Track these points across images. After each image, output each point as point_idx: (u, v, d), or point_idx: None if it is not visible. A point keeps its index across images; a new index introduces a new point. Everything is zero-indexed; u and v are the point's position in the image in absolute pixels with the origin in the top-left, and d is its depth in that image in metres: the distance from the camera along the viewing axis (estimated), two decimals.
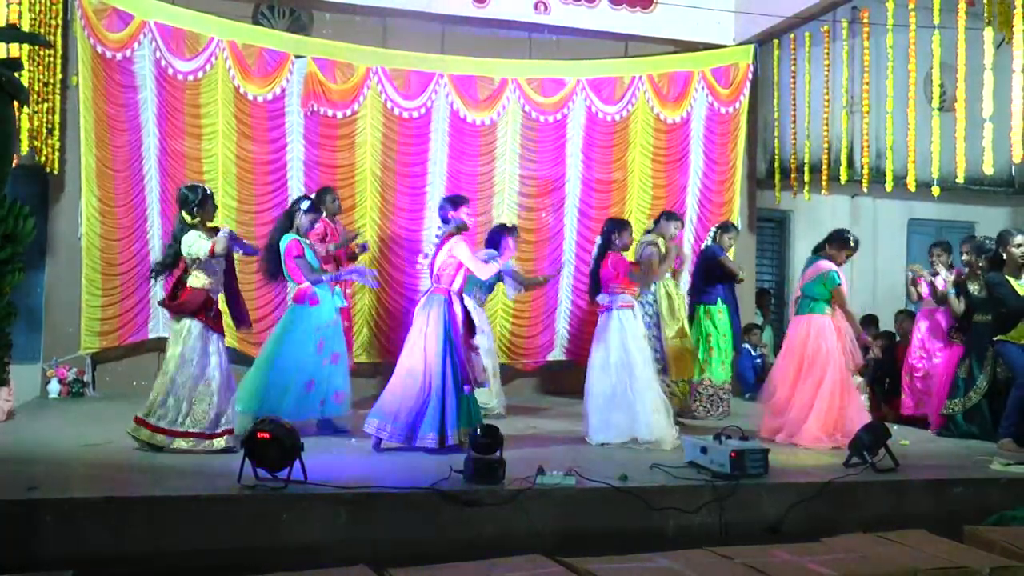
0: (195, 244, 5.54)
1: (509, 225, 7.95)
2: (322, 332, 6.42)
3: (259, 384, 6.36)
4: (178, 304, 5.61)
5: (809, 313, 6.79)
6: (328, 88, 8.62)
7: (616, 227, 6.70)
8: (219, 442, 5.54)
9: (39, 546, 4.06)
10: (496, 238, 7.51)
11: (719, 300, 7.89)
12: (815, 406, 6.56)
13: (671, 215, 7.82)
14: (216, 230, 5.71)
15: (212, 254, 5.52)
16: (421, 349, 5.82)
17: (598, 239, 6.80)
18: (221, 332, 5.73)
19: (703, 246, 8.32)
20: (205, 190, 5.77)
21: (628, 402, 6.30)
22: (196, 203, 5.65)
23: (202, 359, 5.58)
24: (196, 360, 5.56)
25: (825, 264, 6.77)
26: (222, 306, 5.83)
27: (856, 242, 6.94)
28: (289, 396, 6.28)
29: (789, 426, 6.62)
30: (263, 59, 8.49)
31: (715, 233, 8.16)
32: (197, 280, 5.63)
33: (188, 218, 5.64)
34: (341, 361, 6.50)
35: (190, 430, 5.51)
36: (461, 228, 6.06)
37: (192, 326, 5.59)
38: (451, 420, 5.73)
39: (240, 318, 5.98)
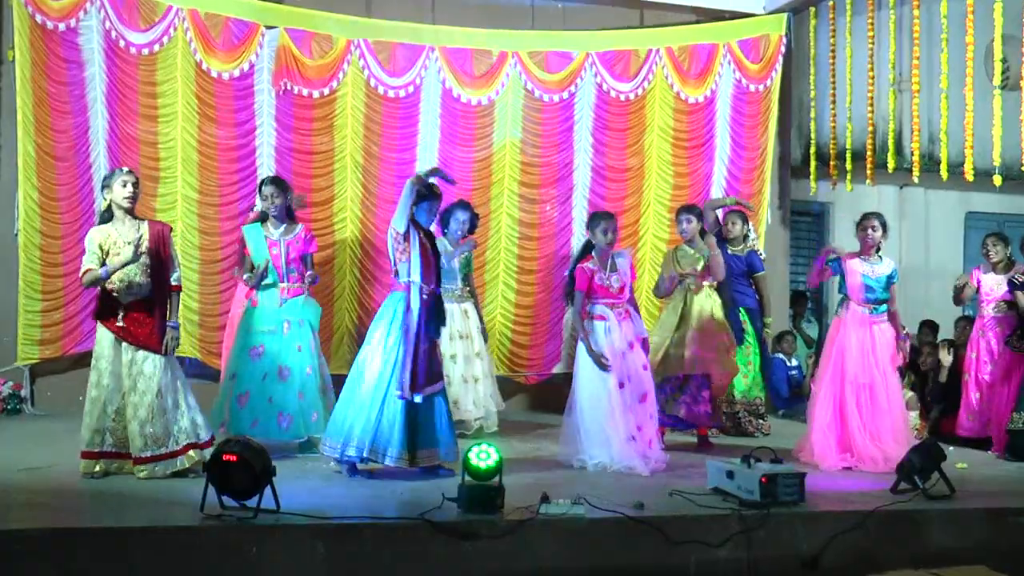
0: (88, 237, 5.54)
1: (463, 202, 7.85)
2: (262, 338, 6.47)
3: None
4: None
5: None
6: (303, 63, 8.65)
7: (591, 224, 6.64)
8: (180, 461, 5.55)
9: None
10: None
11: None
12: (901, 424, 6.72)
13: (689, 210, 7.61)
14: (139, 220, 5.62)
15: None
16: (370, 356, 5.85)
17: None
18: (139, 343, 5.53)
19: None
20: (122, 169, 5.69)
21: (602, 422, 6.26)
22: (104, 184, 5.62)
23: (115, 373, 5.51)
24: (110, 372, 5.50)
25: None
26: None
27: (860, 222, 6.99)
28: (225, 408, 6.39)
29: (889, 452, 6.56)
30: (229, 30, 8.51)
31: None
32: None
33: (103, 202, 5.63)
34: (293, 379, 6.47)
35: (143, 455, 5.50)
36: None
37: (102, 334, 5.55)
38: (396, 436, 5.69)
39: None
